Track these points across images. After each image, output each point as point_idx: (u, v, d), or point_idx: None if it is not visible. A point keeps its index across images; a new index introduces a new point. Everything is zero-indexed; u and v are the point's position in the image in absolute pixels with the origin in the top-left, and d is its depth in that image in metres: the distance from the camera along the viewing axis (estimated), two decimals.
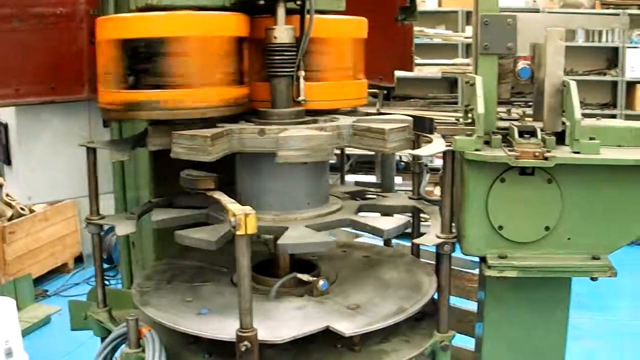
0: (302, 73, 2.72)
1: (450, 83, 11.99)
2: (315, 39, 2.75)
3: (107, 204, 3.43)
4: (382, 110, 4.20)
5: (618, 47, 11.32)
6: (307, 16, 2.69)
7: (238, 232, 2.10)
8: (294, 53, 2.67)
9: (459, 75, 10.62)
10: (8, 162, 3.51)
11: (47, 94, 3.19)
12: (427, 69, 10.76)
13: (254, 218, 2.10)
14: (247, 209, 2.13)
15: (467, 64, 10.54)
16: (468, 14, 11.57)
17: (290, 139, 2.40)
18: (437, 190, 5.57)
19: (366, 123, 2.63)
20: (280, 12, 2.64)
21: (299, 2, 2.71)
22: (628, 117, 10.91)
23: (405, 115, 2.90)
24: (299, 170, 2.66)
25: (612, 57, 11.62)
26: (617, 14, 10.71)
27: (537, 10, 11.02)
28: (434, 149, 2.61)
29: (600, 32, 11.33)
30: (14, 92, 3.10)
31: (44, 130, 3.43)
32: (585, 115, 2.68)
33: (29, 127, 3.39)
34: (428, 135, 2.81)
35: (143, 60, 2.50)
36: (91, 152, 2.83)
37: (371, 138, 2.54)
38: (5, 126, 3.45)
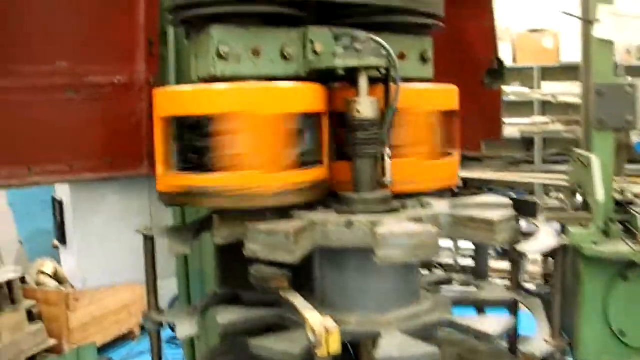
0: (387, 151, 2.36)
1: (526, 142, 11.51)
2: (400, 110, 2.39)
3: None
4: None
5: None
6: (393, 85, 2.34)
7: (319, 353, 1.73)
8: (379, 128, 2.32)
9: (536, 135, 10.16)
10: (63, 240, 3.24)
11: (103, 170, 2.93)
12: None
13: (338, 336, 1.73)
14: (329, 322, 1.77)
15: (545, 122, 10.10)
16: (544, 70, 11.13)
17: (391, 235, 2.00)
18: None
19: (466, 210, 2.25)
20: (363, 82, 2.29)
21: (383, 71, 2.36)
22: None
23: (496, 186, 2.50)
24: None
25: None
26: None
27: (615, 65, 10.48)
28: (545, 244, 2.21)
29: None
30: (67, 168, 2.85)
31: (101, 207, 3.15)
32: None
33: (84, 205, 3.12)
34: (533, 221, 2.41)
35: (203, 139, 2.19)
36: (149, 239, 2.51)
37: (476, 229, 2.15)
38: (60, 203, 3.19)
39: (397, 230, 2.03)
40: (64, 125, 2.85)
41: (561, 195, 2.86)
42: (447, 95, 2.64)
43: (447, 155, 2.64)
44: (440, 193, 2.67)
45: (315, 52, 2.38)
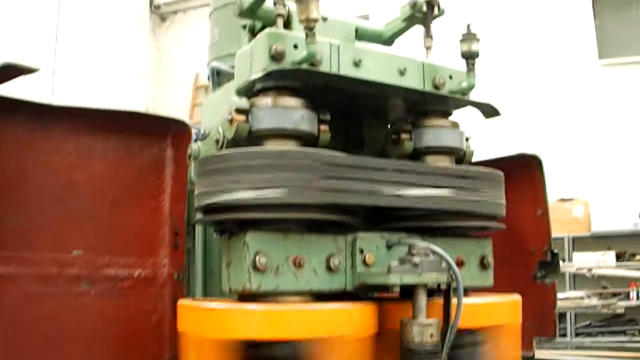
0: None
1: (559, 315, 11.00)
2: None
3: None
4: None
5: None
6: (454, 302, 2.02)
7: None
8: (438, 355, 1.97)
9: (570, 310, 9.69)
10: None
11: None
12: None
13: None
14: None
15: (581, 297, 9.67)
16: (574, 240, 10.78)
17: None
18: None
19: None
20: (421, 300, 1.98)
21: (443, 285, 2.05)
22: None
23: None
24: None
25: None
26: None
27: None
28: None
29: None
30: None
31: None
32: None
33: None
34: None
35: None
36: None
37: None
38: None
39: None
40: (75, 321, 2.52)
41: None
42: (513, 309, 2.31)
43: None
44: None
45: (365, 264, 2.08)
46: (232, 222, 2.06)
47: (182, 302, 2.17)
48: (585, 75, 10.98)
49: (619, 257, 10.17)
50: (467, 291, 2.26)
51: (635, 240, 10.38)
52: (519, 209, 3.40)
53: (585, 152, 10.50)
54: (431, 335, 1.94)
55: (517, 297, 2.38)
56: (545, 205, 3.47)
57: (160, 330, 2.63)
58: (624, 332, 9.81)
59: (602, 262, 10.03)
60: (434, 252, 2.01)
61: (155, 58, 14.15)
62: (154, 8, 14.08)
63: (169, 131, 2.70)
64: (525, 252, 3.49)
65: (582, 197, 10.83)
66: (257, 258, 1.93)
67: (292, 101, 2.10)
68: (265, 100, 2.09)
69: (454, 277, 2.02)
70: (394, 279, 1.95)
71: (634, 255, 10.27)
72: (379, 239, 2.13)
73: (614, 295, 10.05)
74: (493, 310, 2.26)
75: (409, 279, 1.95)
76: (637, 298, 10.11)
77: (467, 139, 2.49)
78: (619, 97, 10.81)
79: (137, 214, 2.67)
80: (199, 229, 2.67)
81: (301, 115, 2.08)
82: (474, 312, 2.12)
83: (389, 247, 2.13)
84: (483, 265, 2.38)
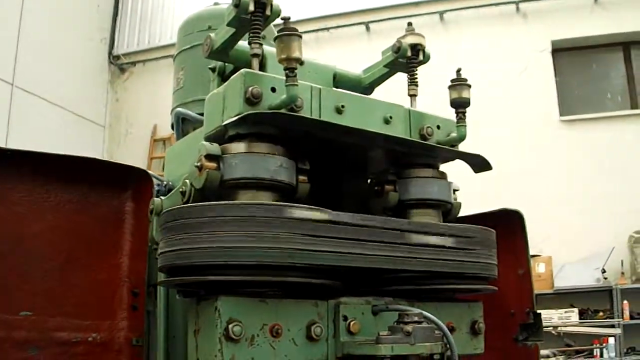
0: None
1: None
2: None
3: None
4: None
5: None
6: None
7: None
8: None
9: None
10: None
11: None
12: None
13: None
14: None
15: (547, 356, 9.48)
16: (537, 297, 10.62)
17: None
18: None
19: None
20: None
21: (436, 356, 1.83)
22: None
23: None
24: None
25: None
26: None
27: (609, 288, 10.06)
28: None
29: None
30: None
31: None
32: None
33: None
34: None
35: None
36: None
37: None
38: None
39: None
40: None
41: None
42: None
43: None
44: None
45: (350, 332, 1.86)
46: (200, 285, 1.82)
47: None
48: (547, 132, 11.01)
49: (582, 314, 10.06)
50: None
51: (597, 297, 10.30)
52: (500, 267, 3.22)
53: (546, 207, 10.43)
54: None
55: None
56: (527, 264, 3.30)
57: None
58: None
59: (566, 318, 9.91)
60: (428, 320, 1.80)
61: (113, 109, 13.86)
62: (113, 59, 13.84)
63: (130, 182, 2.46)
64: (506, 314, 3.31)
65: (545, 254, 10.75)
66: (230, 327, 1.69)
67: (268, 147, 1.89)
68: (239, 146, 1.88)
69: (449, 346, 1.81)
70: (385, 350, 1.73)
71: (597, 311, 10.17)
72: (364, 304, 1.92)
73: (577, 352, 9.91)
74: None
75: (401, 350, 1.74)
76: (601, 355, 9.98)
77: (454, 191, 2.31)
78: (579, 153, 10.84)
79: (93, 272, 2.42)
80: (161, 290, 2.40)
81: (279, 164, 1.87)
82: None
83: (375, 313, 1.91)
84: (474, 331, 2.19)
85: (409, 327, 1.75)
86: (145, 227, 2.42)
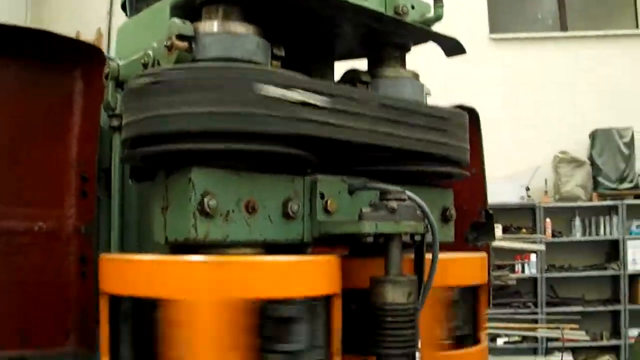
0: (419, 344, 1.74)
1: None
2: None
3: None
4: None
5: (618, 240, 10.41)
6: (428, 256, 1.76)
7: None
8: (412, 317, 1.69)
9: None
10: None
11: (15, 347, 2.13)
12: None
13: None
14: None
15: None
16: None
17: None
18: None
19: None
20: (396, 253, 1.68)
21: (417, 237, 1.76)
22: (632, 313, 10.11)
23: None
24: None
25: (612, 251, 10.69)
26: (615, 206, 10.08)
27: (532, 206, 10.33)
28: None
29: (597, 225, 10.56)
30: None
31: None
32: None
33: None
34: None
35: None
36: None
37: None
38: None
39: None
40: None
41: None
42: (481, 266, 2.07)
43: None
44: None
45: (327, 211, 1.76)
46: (170, 157, 1.69)
47: (108, 257, 1.78)
48: (476, 49, 11.03)
49: (505, 230, 10.30)
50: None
51: (521, 214, 10.55)
52: None
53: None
54: (409, 294, 1.66)
55: (483, 255, 2.14)
56: (481, 164, 3.27)
57: (65, 295, 2.23)
58: (509, 304, 9.94)
59: None
60: (410, 199, 1.72)
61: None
62: None
63: (79, 59, 2.27)
64: (458, 211, 3.28)
65: None
66: (206, 200, 1.58)
67: (243, 27, 1.75)
68: (212, 25, 1.74)
69: (430, 228, 1.74)
70: (368, 227, 1.64)
71: (519, 228, 10.43)
72: (340, 183, 1.82)
73: (499, 267, 10.18)
74: (466, 267, 2.00)
75: (385, 227, 1.66)
76: (522, 271, 10.30)
77: (427, 95, 2.23)
78: (509, 71, 10.92)
79: (38, 157, 2.25)
80: (115, 173, 2.24)
81: (256, 44, 1.74)
82: (447, 269, 1.85)
83: (351, 192, 1.82)
84: (445, 217, 2.14)
85: (393, 204, 1.67)
86: (96, 109, 2.25)
